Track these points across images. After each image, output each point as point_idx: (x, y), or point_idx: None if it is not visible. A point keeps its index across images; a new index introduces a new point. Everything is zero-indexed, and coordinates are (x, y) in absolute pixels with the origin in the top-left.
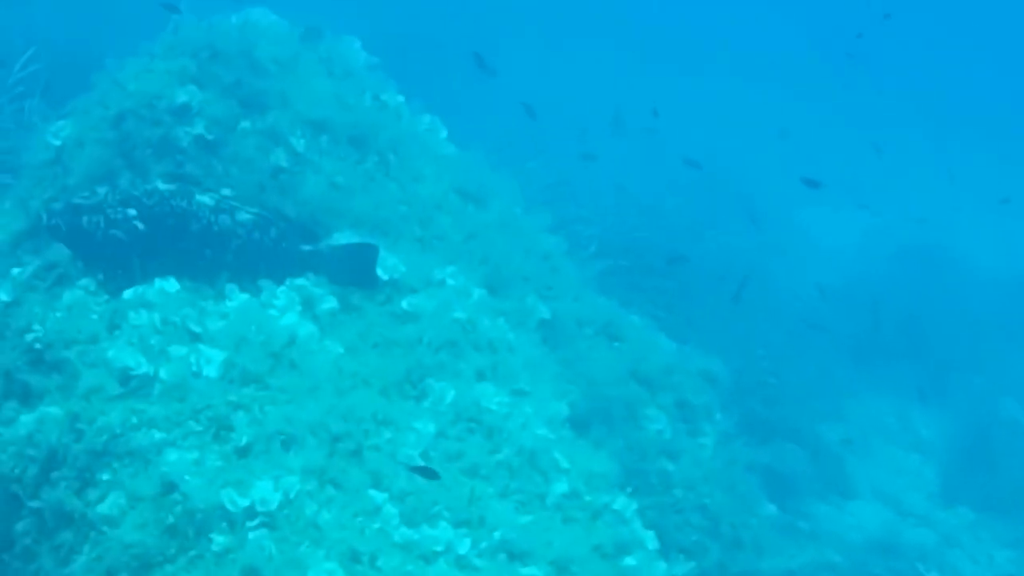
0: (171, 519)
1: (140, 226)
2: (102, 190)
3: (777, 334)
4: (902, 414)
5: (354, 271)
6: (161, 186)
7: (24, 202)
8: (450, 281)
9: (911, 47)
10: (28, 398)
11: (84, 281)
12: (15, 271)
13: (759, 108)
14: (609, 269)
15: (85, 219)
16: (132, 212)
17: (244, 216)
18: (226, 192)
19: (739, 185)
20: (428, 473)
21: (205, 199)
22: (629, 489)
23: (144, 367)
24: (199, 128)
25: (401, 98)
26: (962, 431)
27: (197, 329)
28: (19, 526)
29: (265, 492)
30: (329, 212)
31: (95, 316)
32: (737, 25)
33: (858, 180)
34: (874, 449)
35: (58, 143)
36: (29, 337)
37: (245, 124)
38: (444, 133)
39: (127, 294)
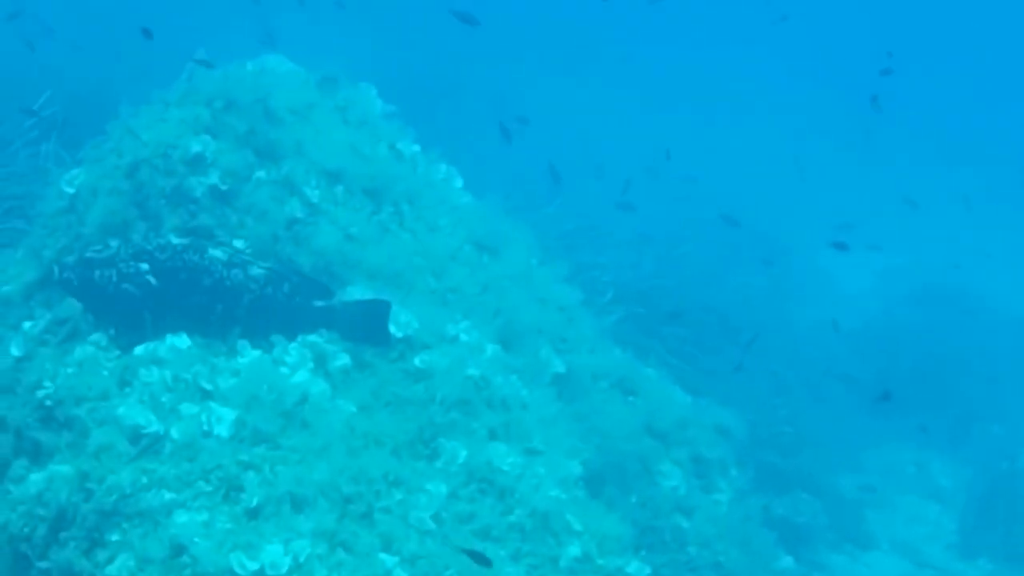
0: None
1: (152, 280)
2: (114, 243)
3: (794, 381)
4: (921, 463)
5: (367, 327)
6: (174, 240)
7: (37, 252)
8: (463, 336)
9: (927, 87)
10: (38, 456)
11: (95, 336)
12: (27, 325)
13: (777, 150)
14: (625, 316)
15: (97, 273)
16: (144, 266)
17: (257, 271)
18: (239, 244)
19: (758, 226)
20: (481, 559)
21: (218, 253)
22: (643, 552)
23: (155, 425)
24: (213, 178)
25: (417, 147)
26: (982, 481)
27: (208, 387)
28: None
29: (275, 556)
30: (343, 264)
31: (106, 372)
32: (755, 68)
33: (877, 219)
34: (892, 499)
35: (72, 191)
36: (40, 394)
37: (260, 174)
38: (460, 182)
39: (138, 350)
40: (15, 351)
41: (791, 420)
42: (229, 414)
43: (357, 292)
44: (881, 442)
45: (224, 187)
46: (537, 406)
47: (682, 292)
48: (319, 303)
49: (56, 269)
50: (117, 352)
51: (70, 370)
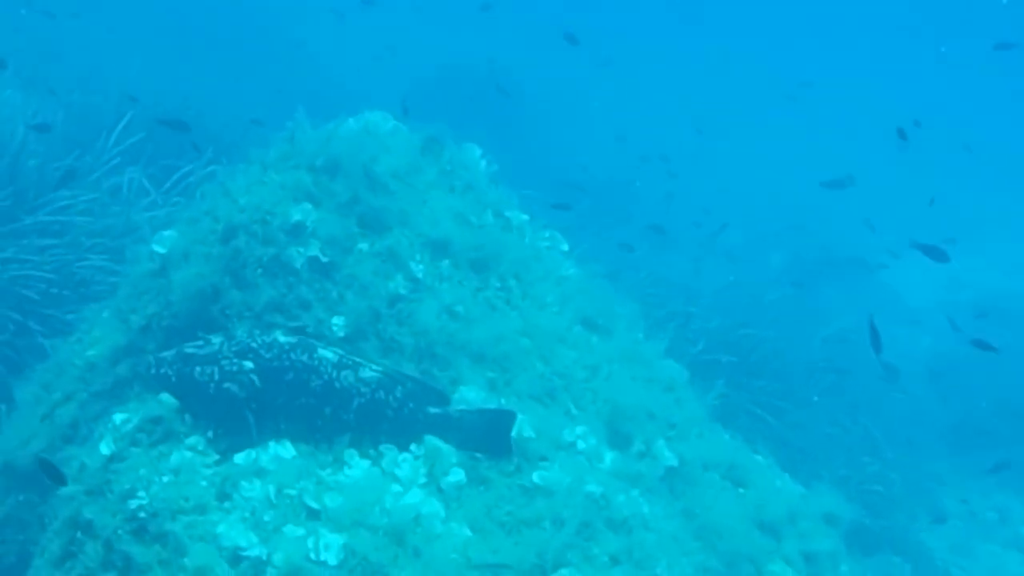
0: None
1: (256, 380)
2: (217, 340)
3: (879, 430)
4: (1002, 509)
5: (486, 438)
6: (281, 339)
7: (124, 315)
8: (580, 444)
9: None
10: (128, 572)
11: (193, 439)
12: (118, 418)
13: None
14: (714, 364)
15: (198, 370)
16: (249, 364)
17: (368, 374)
18: (337, 321)
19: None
20: None
21: (327, 354)
22: None
23: (256, 548)
24: (314, 249)
25: (525, 216)
26: None
27: (315, 505)
28: None
29: None
30: (448, 344)
31: (204, 483)
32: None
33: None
34: (974, 548)
35: (163, 252)
36: (133, 504)
37: (363, 246)
38: (565, 246)
39: (239, 459)
40: (105, 450)
41: (880, 478)
42: (337, 540)
43: (471, 395)
44: (964, 485)
45: (325, 259)
46: (657, 522)
47: (770, 343)
48: (434, 410)
49: (153, 362)
50: (215, 456)
51: (166, 478)
